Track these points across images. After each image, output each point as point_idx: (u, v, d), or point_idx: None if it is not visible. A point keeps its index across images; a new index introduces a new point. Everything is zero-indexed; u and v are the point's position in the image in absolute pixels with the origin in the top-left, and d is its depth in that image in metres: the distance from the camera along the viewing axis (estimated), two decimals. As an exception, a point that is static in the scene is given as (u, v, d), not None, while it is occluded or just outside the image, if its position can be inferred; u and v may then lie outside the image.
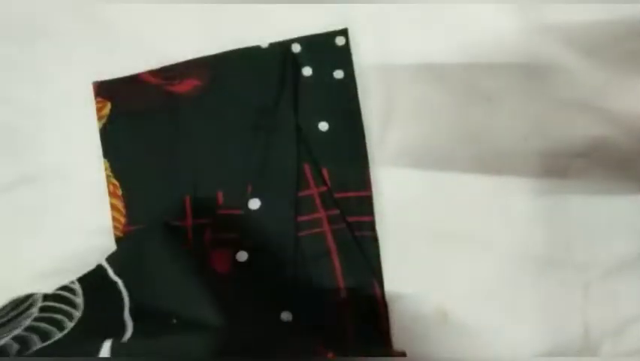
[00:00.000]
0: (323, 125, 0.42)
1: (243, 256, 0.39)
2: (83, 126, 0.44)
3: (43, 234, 0.43)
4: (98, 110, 0.44)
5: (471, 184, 0.41)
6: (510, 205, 0.41)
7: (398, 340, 0.39)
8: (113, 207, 0.43)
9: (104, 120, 0.44)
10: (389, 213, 0.41)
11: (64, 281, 0.43)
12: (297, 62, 0.43)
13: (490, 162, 0.42)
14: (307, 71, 0.43)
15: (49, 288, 0.43)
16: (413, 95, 0.43)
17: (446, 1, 0.43)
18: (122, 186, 0.43)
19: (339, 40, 0.44)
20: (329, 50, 0.43)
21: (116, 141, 0.43)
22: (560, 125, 0.41)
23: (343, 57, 0.43)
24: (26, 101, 0.45)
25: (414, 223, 0.41)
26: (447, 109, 0.42)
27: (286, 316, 0.38)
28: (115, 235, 0.42)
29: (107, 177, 0.43)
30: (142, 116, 0.43)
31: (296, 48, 0.43)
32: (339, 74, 0.43)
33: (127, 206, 0.42)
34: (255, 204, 0.40)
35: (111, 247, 0.42)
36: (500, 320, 0.40)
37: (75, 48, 0.45)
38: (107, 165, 0.43)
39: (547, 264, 0.40)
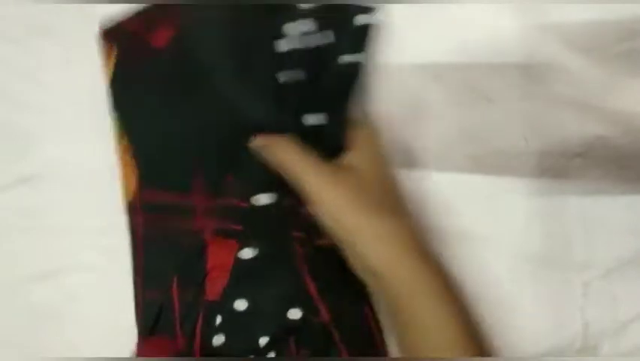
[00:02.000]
0: (320, 118, 0.40)
1: (248, 253, 0.39)
2: (82, 126, 0.44)
3: (43, 234, 0.43)
4: (106, 57, 0.42)
5: (470, 184, 0.41)
6: (509, 205, 0.41)
7: (397, 340, 0.39)
8: (124, 170, 0.41)
9: (112, 68, 0.41)
10: (388, 213, 0.41)
11: (64, 281, 0.43)
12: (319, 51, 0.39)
13: (489, 161, 0.42)
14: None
15: (49, 288, 0.43)
16: (412, 95, 0.43)
17: (446, 1, 0.43)
18: (133, 141, 0.40)
19: (362, 19, 0.39)
20: (347, 29, 0.39)
21: (125, 90, 0.41)
22: (559, 125, 0.41)
23: (359, 39, 0.39)
24: (26, 100, 0.45)
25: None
26: (446, 109, 0.42)
27: (294, 313, 0.39)
28: (126, 200, 0.41)
29: (116, 137, 0.41)
30: (148, 76, 0.41)
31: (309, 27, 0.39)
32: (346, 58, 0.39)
33: (139, 167, 0.40)
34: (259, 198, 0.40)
35: (111, 247, 0.42)
36: (499, 320, 0.40)
37: (75, 48, 0.45)
38: (117, 120, 0.41)
39: (546, 264, 0.40)
